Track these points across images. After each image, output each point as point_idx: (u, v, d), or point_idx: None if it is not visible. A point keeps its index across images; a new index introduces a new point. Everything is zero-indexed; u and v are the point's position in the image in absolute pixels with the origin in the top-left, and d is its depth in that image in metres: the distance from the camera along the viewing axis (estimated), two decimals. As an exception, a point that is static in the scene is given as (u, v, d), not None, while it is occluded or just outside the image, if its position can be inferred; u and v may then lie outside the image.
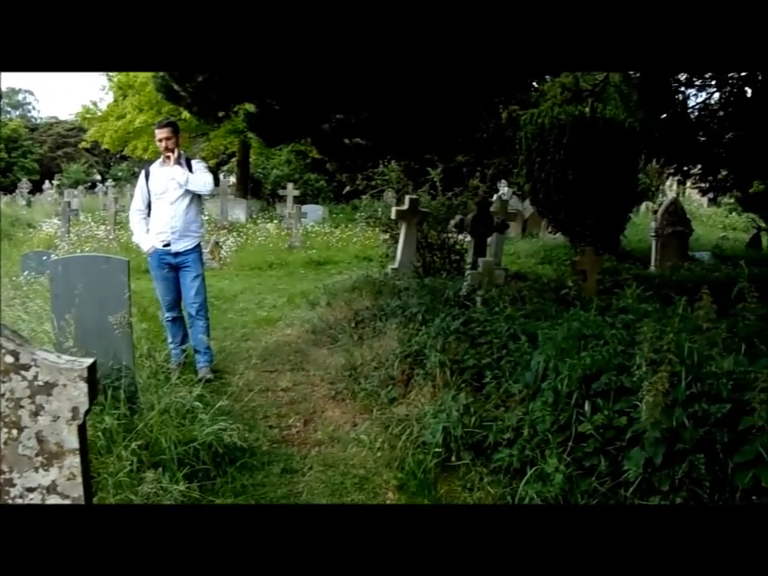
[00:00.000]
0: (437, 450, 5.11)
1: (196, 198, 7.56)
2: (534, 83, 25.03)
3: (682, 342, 4.76)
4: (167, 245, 7.36)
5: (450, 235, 11.56)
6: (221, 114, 10.90)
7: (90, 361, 2.84)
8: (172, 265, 7.43)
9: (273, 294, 12.64)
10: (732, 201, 24.95)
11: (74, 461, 2.82)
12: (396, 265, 10.73)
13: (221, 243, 17.33)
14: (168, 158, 7.35)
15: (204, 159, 34.55)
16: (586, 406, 4.72)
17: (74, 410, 2.77)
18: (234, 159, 34.85)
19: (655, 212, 16.76)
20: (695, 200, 33.31)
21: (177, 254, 7.39)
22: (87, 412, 2.81)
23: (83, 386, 2.76)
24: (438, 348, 6.31)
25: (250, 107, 11.64)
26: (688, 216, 16.35)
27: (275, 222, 22.07)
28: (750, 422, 3.93)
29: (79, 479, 2.85)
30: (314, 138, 12.96)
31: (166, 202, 7.36)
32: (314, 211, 24.09)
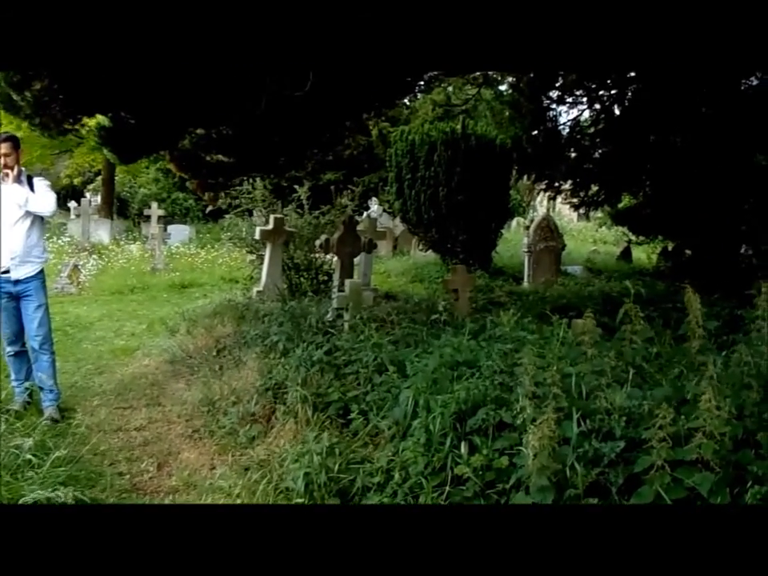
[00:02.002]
0: (299, 499, 4.60)
1: (38, 219, 6.81)
2: (406, 100, 25.22)
3: (567, 371, 4.41)
4: (6, 272, 6.60)
5: (317, 255, 11.11)
6: (67, 126, 10.08)
7: None
8: (12, 294, 6.67)
9: (132, 320, 11.91)
10: (601, 215, 25.45)
11: None
12: (261, 287, 10.23)
13: (80, 266, 16.37)
14: (6, 175, 6.60)
15: (69, 177, 33.48)
16: (463, 447, 4.30)
17: None
18: (99, 177, 33.50)
19: (527, 228, 16.82)
20: (565, 215, 33.89)
21: (17, 282, 6.64)
22: None
23: None
24: (299, 381, 5.82)
25: (104, 120, 10.90)
26: (560, 231, 16.38)
27: (139, 243, 21.17)
28: (648, 461, 3.58)
29: None
30: (172, 155, 12.32)
31: (5, 224, 6.60)
32: (180, 231, 23.31)
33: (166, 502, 5.14)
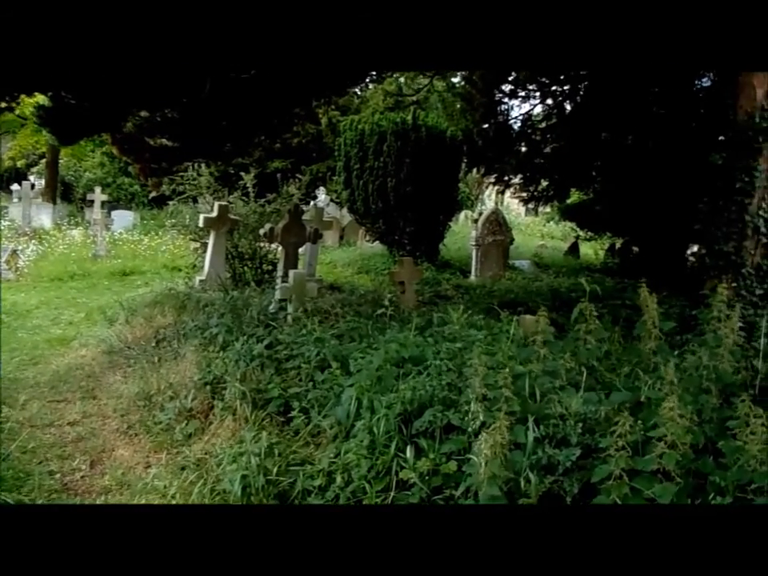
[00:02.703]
0: (235, 502, 4.38)
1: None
2: (357, 90, 25.02)
3: (519, 372, 4.25)
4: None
5: (262, 244, 10.87)
6: (3, 105, 9.68)
7: None
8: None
9: (71, 308, 11.55)
10: (550, 210, 25.57)
11: None
12: (204, 276, 9.98)
13: (19, 252, 15.88)
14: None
15: (12, 159, 32.66)
16: (408, 450, 4.11)
17: None
18: (43, 160, 32.68)
19: (475, 221, 16.72)
20: (513, 209, 33.99)
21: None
22: None
23: None
24: (238, 376, 5.59)
25: (44, 100, 10.51)
26: (508, 225, 16.32)
27: (82, 228, 20.62)
28: (606, 471, 3.44)
29: None
30: (114, 137, 11.95)
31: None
32: (124, 217, 22.77)
33: (98, 502, 4.89)
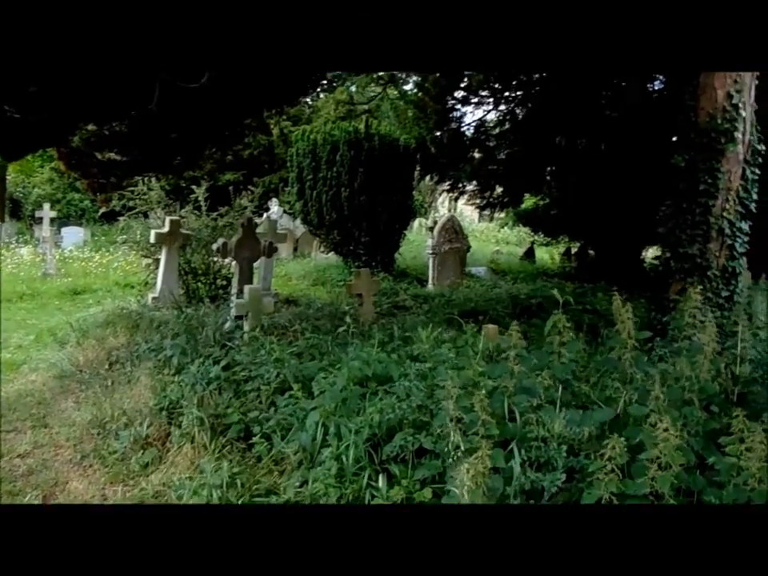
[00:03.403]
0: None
1: None
2: (308, 99, 24.87)
3: (494, 390, 4.08)
4: None
5: (215, 259, 10.62)
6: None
7: None
8: None
9: (20, 330, 11.14)
10: (504, 216, 25.63)
11: None
12: (156, 293, 9.75)
13: (-36, 272, 15.46)
14: None
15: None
16: (381, 479, 3.91)
17: None
18: (-9, 177, 32.02)
19: (430, 229, 16.63)
20: (467, 215, 34.00)
21: None
22: None
23: None
24: (195, 401, 5.36)
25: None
26: (464, 232, 16.26)
27: (31, 246, 20.18)
28: (595, 496, 3.30)
29: None
30: (60, 152, 11.63)
31: None
32: (74, 234, 22.38)
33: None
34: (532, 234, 22.68)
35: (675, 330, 6.28)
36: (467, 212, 33.26)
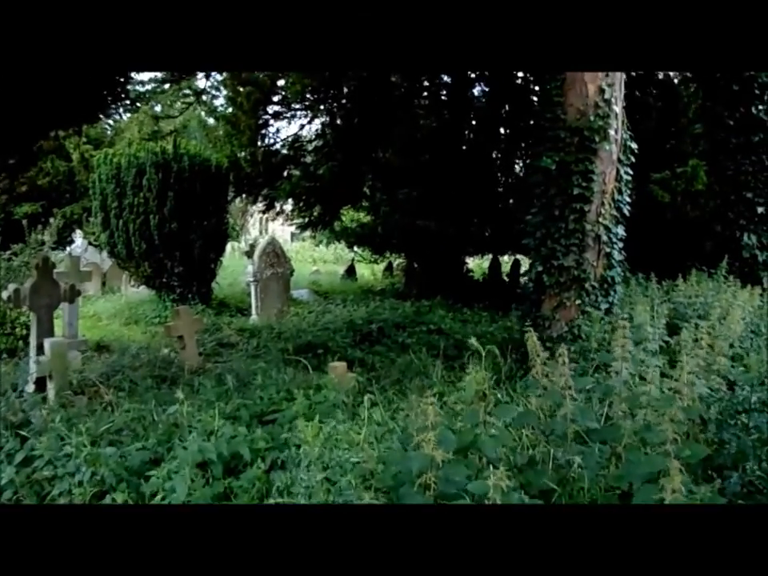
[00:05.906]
0: None
1: None
2: (110, 121, 23.30)
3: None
4: None
5: (10, 306, 9.13)
6: None
7: None
8: None
9: None
10: (318, 234, 25.06)
11: None
12: (-65, 353, 8.18)
13: None
14: None
15: None
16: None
17: None
18: None
19: (247, 253, 15.60)
20: (279, 236, 33.32)
21: None
22: None
23: None
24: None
25: None
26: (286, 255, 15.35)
27: None
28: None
29: None
30: None
31: None
32: None
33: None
34: (351, 250, 22.20)
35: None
36: (279, 232, 32.57)
